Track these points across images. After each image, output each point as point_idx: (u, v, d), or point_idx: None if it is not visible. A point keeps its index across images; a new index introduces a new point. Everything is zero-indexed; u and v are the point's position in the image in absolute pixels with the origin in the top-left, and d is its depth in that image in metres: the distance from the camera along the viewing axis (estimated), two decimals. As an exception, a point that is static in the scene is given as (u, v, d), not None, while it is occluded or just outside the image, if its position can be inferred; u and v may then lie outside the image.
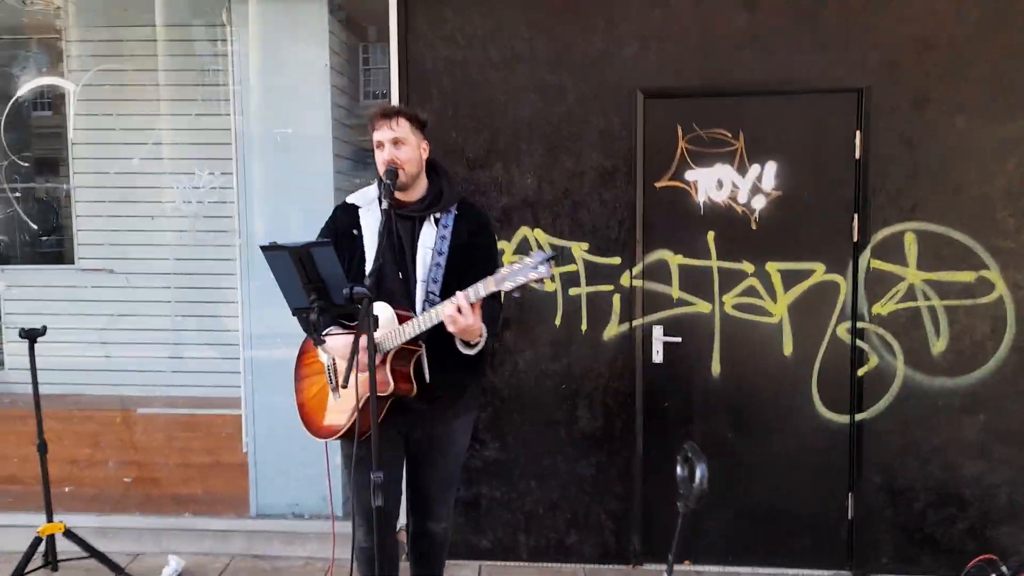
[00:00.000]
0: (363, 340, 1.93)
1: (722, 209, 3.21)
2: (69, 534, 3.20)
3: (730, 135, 3.18)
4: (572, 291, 3.28)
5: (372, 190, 2.37)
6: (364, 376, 2.06)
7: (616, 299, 3.26)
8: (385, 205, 2.21)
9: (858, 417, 3.22)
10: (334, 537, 2.42)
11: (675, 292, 3.26)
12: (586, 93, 3.21)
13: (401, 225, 2.33)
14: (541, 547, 3.37)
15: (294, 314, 2.04)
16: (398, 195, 2.31)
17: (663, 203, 3.23)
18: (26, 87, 3.52)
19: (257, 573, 3.33)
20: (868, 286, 3.17)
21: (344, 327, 2.27)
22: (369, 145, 2.42)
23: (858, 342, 3.20)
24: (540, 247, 3.23)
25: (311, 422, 2.34)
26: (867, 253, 3.15)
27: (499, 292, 2.08)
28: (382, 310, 2.19)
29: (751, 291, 3.23)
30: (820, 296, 3.21)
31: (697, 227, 3.22)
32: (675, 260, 3.25)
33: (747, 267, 3.22)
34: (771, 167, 3.17)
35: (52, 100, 3.55)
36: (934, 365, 3.17)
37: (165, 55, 3.45)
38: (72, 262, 3.75)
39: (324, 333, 2.20)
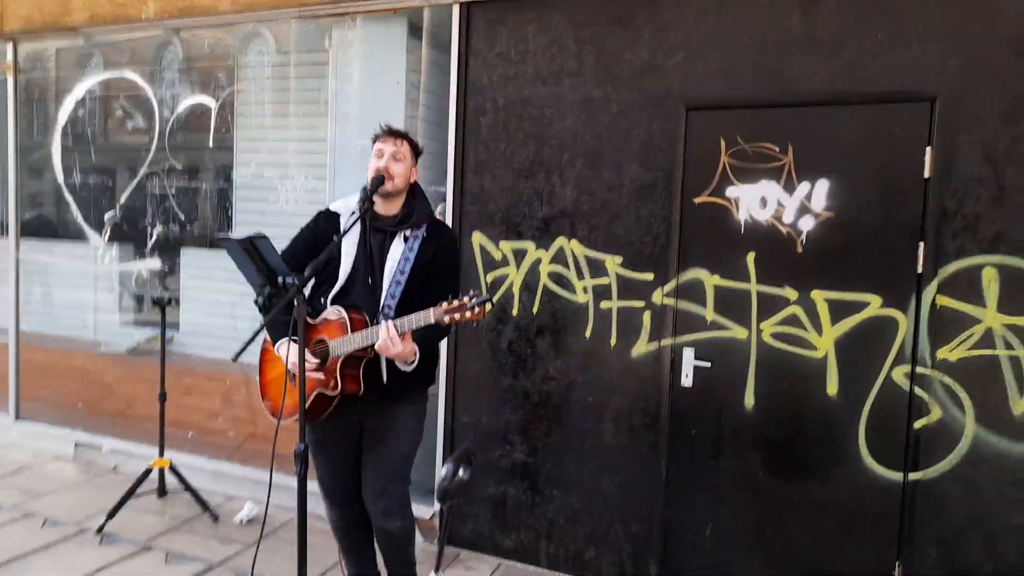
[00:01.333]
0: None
1: (765, 229, 2.98)
2: (172, 469, 3.90)
3: (777, 149, 2.94)
4: (603, 304, 3.25)
5: (353, 201, 2.61)
6: (314, 367, 2.37)
7: (647, 316, 3.17)
8: (357, 207, 2.48)
9: (912, 476, 2.79)
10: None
11: (709, 314, 3.08)
12: (629, 105, 3.17)
13: (374, 237, 2.56)
14: (560, 556, 3.38)
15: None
16: (378, 206, 2.55)
17: (702, 220, 3.07)
18: (182, 105, 4.33)
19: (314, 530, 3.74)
20: (933, 326, 2.74)
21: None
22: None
23: (917, 390, 2.78)
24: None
25: (270, 401, 2.64)
26: (933, 288, 2.73)
27: (445, 320, 2.25)
28: (335, 312, 2.45)
29: (793, 320, 2.95)
30: (874, 333, 2.84)
31: (736, 247, 3.02)
32: (711, 280, 3.07)
33: (790, 293, 2.95)
34: (822, 185, 2.88)
35: (200, 115, 4.31)
36: (1015, 427, 2.65)
37: (279, 77, 4.04)
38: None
39: (279, 344, 2.52)
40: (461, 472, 1.76)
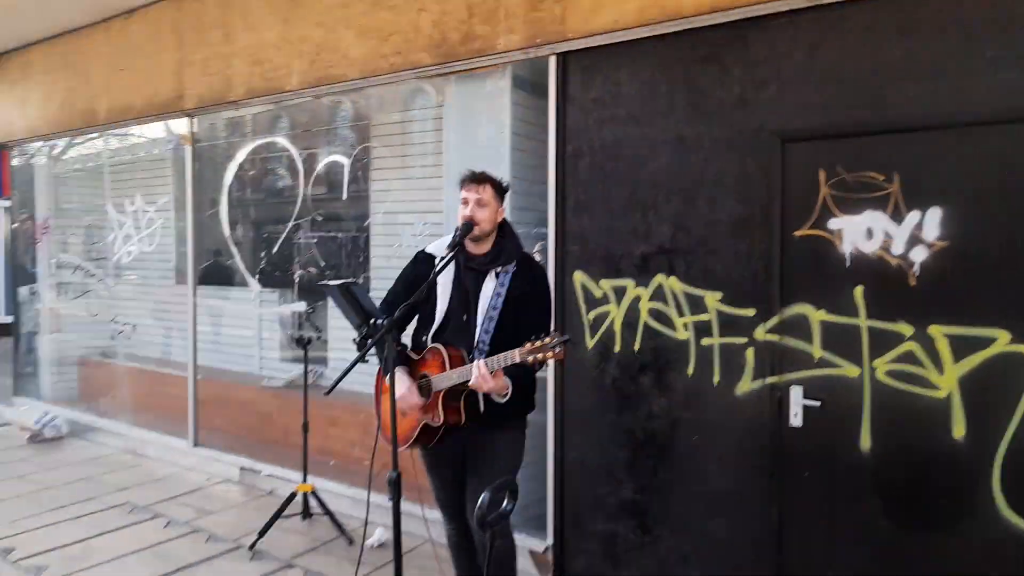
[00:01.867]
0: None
1: (872, 261, 2.81)
2: (314, 494, 4.28)
3: (882, 178, 2.78)
4: (704, 341, 3.21)
5: (447, 240, 2.80)
6: (417, 404, 2.58)
7: (750, 353, 3.09)
8: (448, 251, 2.66)
9: (1057, 531, 2.50)
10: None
11: (816, 351, 2.95)
12: (721, 140, 3.14)
13: (468, 275, 2.74)
14: (670, 598, 3.34)
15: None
16: (469, 247, 2.73)
17: (803, 253, 2.96)
18: (321, 163, 4.82)
19: (431, 556, 3.96)
20: (1073, 363, 2.46)
21: (407, 360, 2.77)
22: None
23: (1057, 433, 2.49)
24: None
25: (386, 431, 2.86)
26: (1070, 320, 2.45)
27: (528, 360, 2.40)
28: (436, 350, 2.65)
29: (909, 357, 2.76)
30: (1004, 370, 2.58)
31: (842, 281, 2.88)
32: (816, 316, 2.95)
33: (904, 329, 2.76)
34: (934, 213, 2.68)
35: (335, 172, 4.77)
36: None
37: (401, 133, 4.38)
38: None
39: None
40: (506, 505, 1.85)
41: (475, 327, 2.70)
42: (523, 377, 2.63)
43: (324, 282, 2.63)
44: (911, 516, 2.77)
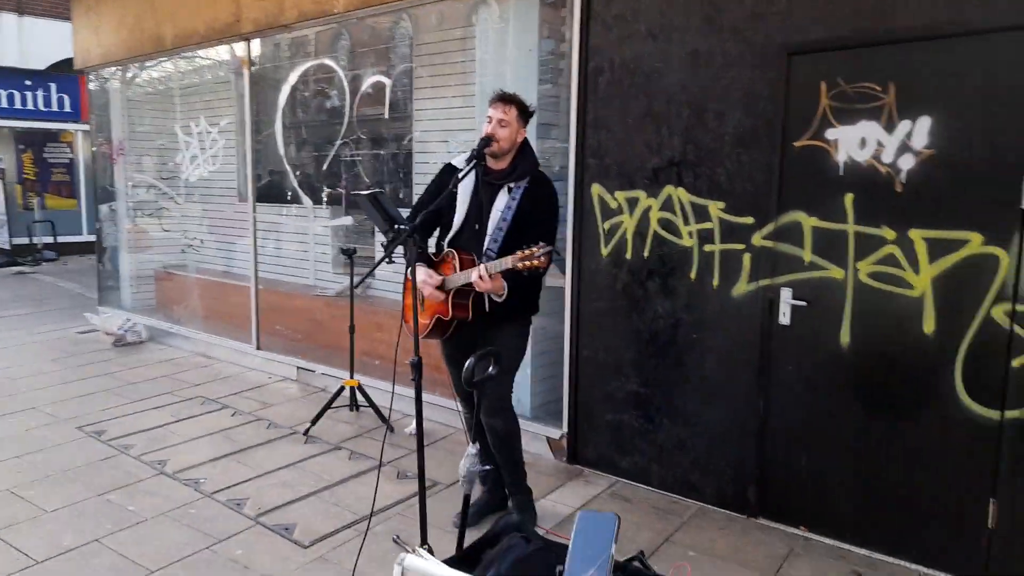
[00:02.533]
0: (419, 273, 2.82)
1: (864, 170, 3.00)
2: (360, 389, 4.77)
3: (879, 88, 2.93)
4: (707, 247, 3.46)
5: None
6: (436, 297, 2.94)
7: (747, 258, 3.34)
8: (466, 164, 2.97)
9: (1010, 414, 2.73)
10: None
11: (807, 255, 3.18)
12: (732, 55, 3.30)
13: (485, 189, 3.05)
14: (668, 478, 3.70)
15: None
16: (489, 163, 3.05)
17: (801, 163, 3.16)
18: (365, 83, 5.14)
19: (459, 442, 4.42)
20: (1038, 263, 2.64)
21: (428, 263, 3.13)
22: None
23: (1018, 328, 2.70)
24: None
25: (407, 321, 3.25)
26: (1038, 223, 2.62)
27: (518, 267, 2.75)
28: (451, 254, 3.02)
29: (890, 259, 2.97)
30: (973, 271, 2.78)
31: (835, 189, 3.07)
32: (809, 222, 3.16)
33: (887, 233, 2.96)
34: (924, 123, 2.84)
35: (378, 91, 5.08)
36: None
37: (437, 53, 4.64)
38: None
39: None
40: (491, 369, 2.21)
41: (485, 236, 3.03)
42: (516, 280, 2.93)
43: (355, 192, 2.98)
44: (882, 403, 3.04)
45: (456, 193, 3.09)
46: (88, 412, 4.98)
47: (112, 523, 3.39)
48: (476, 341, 3.13)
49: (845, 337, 3.10)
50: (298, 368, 5.82)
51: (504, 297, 2.95)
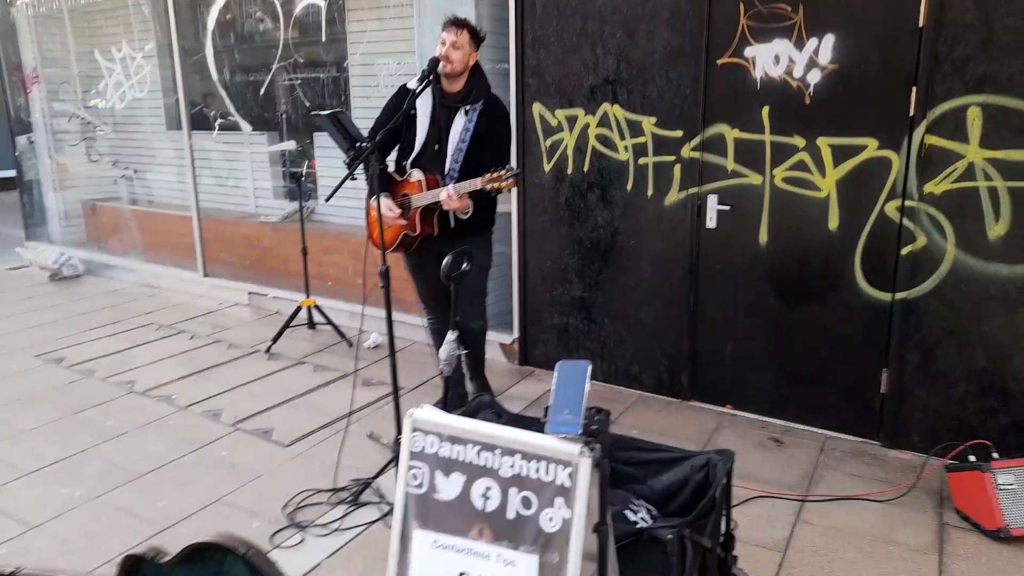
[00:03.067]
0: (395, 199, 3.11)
1: (778, 84, 3.34)
2: (317, 308, 4.99)
3: (789, 8, 3.24)
4: (641, 160, 3.78)
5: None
6: (396, 216, 3.17)
7: (677, 169, 3.68)
8: (415, 85, 3.16)
9: (899, 295, 3.21)
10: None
11: (730, 164, 3.54)
12: (661, -23, 3.54)
13: (442, 112, 3.25)
14: (611, 372, 4.13)
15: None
16: (444, 86, 3.24)
17: (723, 79, 3.47)
18: (299, 6, 5.12)
19: (422, 353, 4.73)
20: (922, 163, 3.06)
21: (391, 181, 3.34)
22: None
23: (906, 221, 3.15)
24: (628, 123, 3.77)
25: (374, 240, 3.48)
26: (923, 128, 3.03)
27: (487, 188, 2.99)
28: (416, 174, 3.24)
29: (801, 165, 3.36)
30: (870, 172, 3.20)
31: (753, 102, 3.41)
32: (731, 134, 3.50)
33: (798, 141, 3.34)
34: (828, 40, 3.18)
35: (314, 14, 5.09)
36: (990, 250, 2.99)
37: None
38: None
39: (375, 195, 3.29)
40: (465, 265, 2.50)
41: (446, 157, 3.25)
42: (479, 199, 3.20)
43: (315, 112, 3.13)
44: (794, 294, 3.49)
45: (414, 115, 3.28)
46: (42, 342, 5.03)
47: (93, 436, 3.58)
48: (442, 253, 3.39)
49: (763, 236, 3.51)
50: (249, 293, 5.95)
51: (469, 215, 3.20)
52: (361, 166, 2.97)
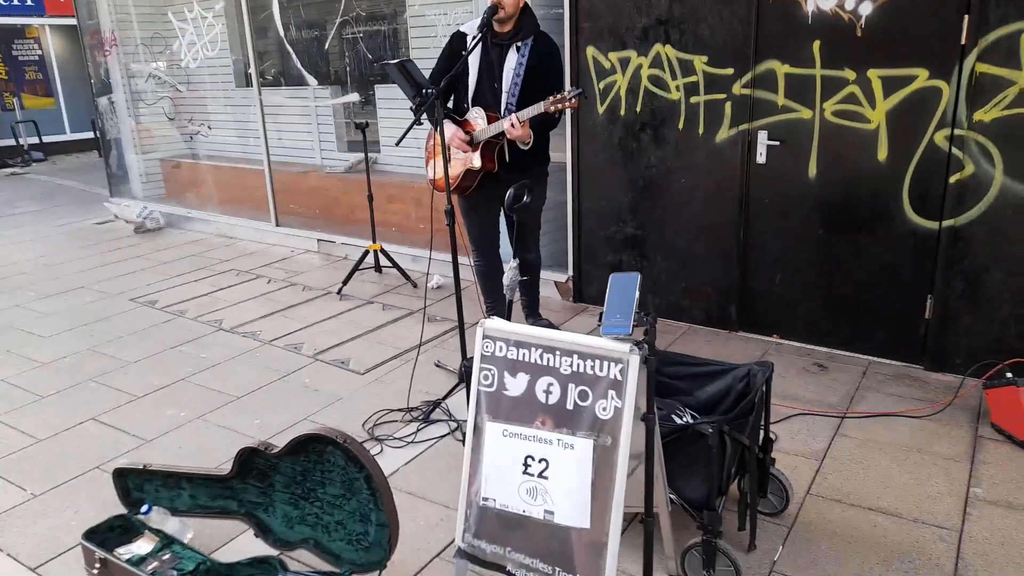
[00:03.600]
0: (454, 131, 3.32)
1: (829, 18, 3.38)
2: (383, 251, 5.29)
3: (841, -59, 3.27)
4: (692, 99, 3.88)
5: (477, 22, 3.46)
6: (463, 156, 3.38)
7: (728, 106, 3.77)
8: (477, 31, 3.34)
9: (946, 223, 3.29)
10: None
11: (780, 99, 3.62)
12: (711, -85, 3.59)
13: (494, 51, 3.43)
14: (662, 306, 4.31)
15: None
16: (496, 27, 3.40)
17: (774, 15, 3.53)
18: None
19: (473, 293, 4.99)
20: (972, 92, 3.10)
21: (454, 121, 3.54)
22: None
23: (955, 149, 3.20)
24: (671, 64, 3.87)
25: (438, 185, 3.71)
26: (974, 56, 3.06)
27: (551, 110, 3.14)
28: (475, 112, 3.42)
29: (851, 98, 3.42)
30: (920, 103, 3.25)
31: (804, 37, 3.47)
32: (782, 69, 3.57)
33: (849, 74, 3.40)
34: (881, -30, 3.21)
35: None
36: (1039, 177, 3.03)
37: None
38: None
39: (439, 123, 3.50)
40: (526, 197, 2.71)
41: (502, 92, 3.44)
42: (542, 127, 3.38)
43: (384, 61, 3.33)
44: (842, 224, 3.58)
45: (469, 58, 3.46)
46: (134, 287, 5.49)
47: (191, 367, 3.98)
48: (499, 194, 3.60)
49: (813, 170, 3.60)
50: (319, 240, 6.31)
51: (529, 146, 3.39)
52: (425, 113, 3.19)
